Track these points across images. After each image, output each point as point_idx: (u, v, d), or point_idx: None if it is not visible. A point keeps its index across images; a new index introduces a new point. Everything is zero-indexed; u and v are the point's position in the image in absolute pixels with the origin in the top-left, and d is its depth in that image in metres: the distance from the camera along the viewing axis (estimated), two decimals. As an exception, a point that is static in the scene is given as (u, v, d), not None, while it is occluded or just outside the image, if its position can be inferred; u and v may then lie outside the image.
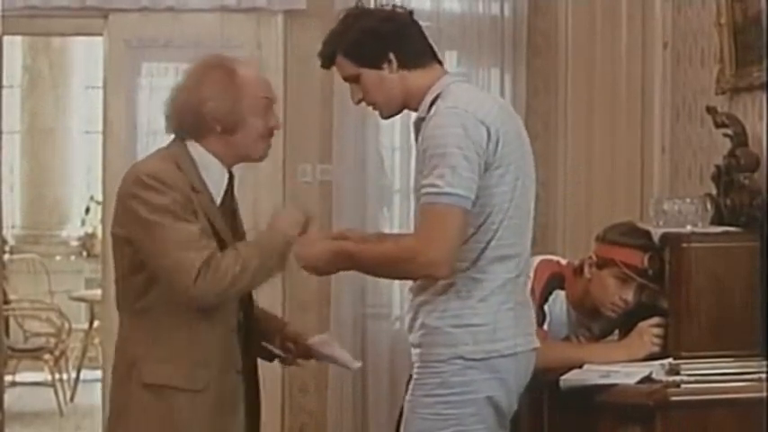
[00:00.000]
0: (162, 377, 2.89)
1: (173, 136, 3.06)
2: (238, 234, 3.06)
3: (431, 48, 3.12)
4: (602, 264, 3.62)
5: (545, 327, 3.73)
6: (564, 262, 3.87)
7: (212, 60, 3.03)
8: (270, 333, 3.21)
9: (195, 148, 2.97)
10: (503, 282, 2.94)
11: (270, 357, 3.26)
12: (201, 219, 2.87)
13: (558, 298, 3.79)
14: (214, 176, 2.95)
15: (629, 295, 3.59)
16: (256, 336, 3.14)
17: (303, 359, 3.26)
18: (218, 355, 2.93)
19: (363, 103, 3.16)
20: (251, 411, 3.06)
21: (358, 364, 3.35)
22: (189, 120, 2.96)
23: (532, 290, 3.72)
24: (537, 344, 3.09)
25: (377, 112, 3.18)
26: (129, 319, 2.96)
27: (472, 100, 2.95)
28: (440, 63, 3.16)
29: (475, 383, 2.90)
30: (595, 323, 3.81)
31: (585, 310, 3.76)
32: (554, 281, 3.78)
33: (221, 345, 2.95)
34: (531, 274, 3.75)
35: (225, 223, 2.96)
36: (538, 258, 3.90)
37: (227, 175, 2.99)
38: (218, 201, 2.96)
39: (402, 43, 3.02)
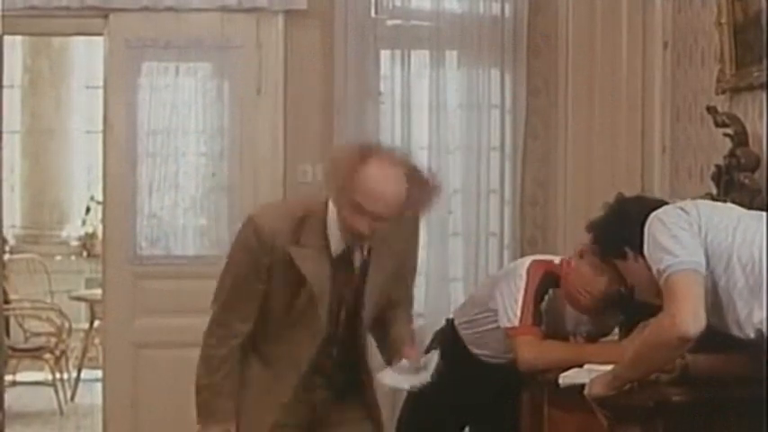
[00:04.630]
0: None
1: None
2: (350, 282, 3.29)
3: None
4: (581, 253, 3.64)
5: (543, 326, 3.73)
6: (557, 261, 3.87)
7: (365, 147, 3.27)
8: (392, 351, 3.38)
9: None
10: None
11: None
12: (278, 265, 3.22)
13: (555, 297, 3.80)
14: (335, 234, 3.25)
15: (603, 285, 3.60)
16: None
17: None
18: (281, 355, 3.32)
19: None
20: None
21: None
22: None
23: (526, 290, 3.73)
24: None
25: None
26: None
27: None
28: None
29: None
30: (594, 321, 3.81)
31: (579, 307, 3.76)
32: (548, 280, 3.78)
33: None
34: (524, 275, 3.76)
35: (330, 271, 3.24)
36: (529, 259, 3.91)
37: (342, 243, 3.26)
38: (335, 253, 3.25)
39: None
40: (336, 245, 3.26)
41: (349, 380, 3.39)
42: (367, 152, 3.19)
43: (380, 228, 3.17)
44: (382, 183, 3.13)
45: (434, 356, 3.29)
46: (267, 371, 3.35)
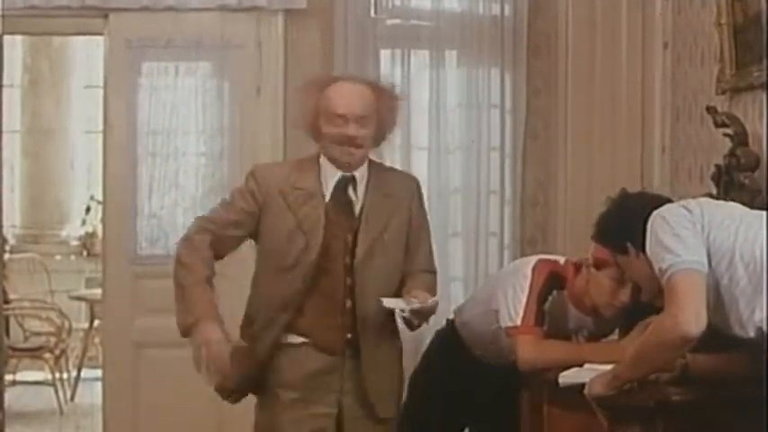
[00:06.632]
0: None
1: None
2: (345, 224, 3.58)
3: None
4: (598, 264, 3.62)
5: (545, 327, 3.73)
6: (562, 261, 3.87)
7: (316, 77, 3.79)
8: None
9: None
10: None
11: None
12: (277, 209, 3.53)
13: (559, 297, 3.80)
14: (326, 176, 3.59)
15: (626, 296, 3.60)
16: None
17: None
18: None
19: None
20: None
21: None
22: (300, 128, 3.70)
23: (531, 290, 3.73)
24: None
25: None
26: None
27: None
28: None
29: None
30: (596, 322, 3.81)
31: (586, 309, 3.76)
32: (553, 281, 3.78)
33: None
34: (529, 274, 3.76)
35: (323, 215, 3.54)
36: (535, 258, 3.90)
37: (336, 177, 3.58)
38: (327, 197, 3.57)
39: None
40: (329, 188, 3.57)
41: (367, 336, 3.58)
42: (319, 80, 3.68)
43: (366, 134, 3.53)
44: (347, 89, 3.57)
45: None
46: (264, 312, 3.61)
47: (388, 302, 3.52)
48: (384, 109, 3.61)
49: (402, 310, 3.53)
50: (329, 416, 3.58)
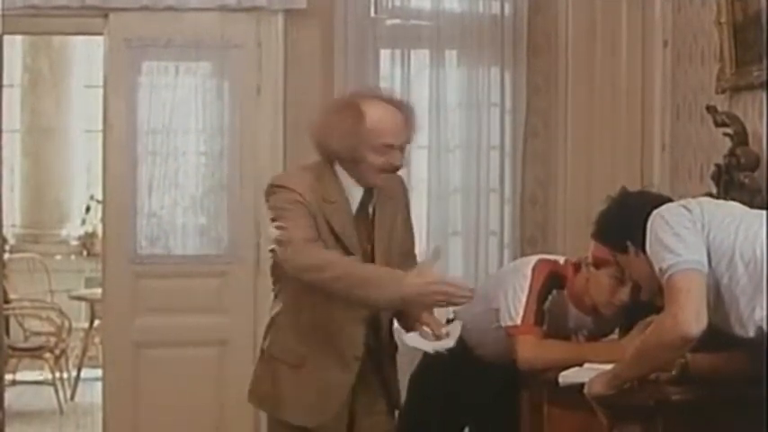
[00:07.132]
0: (270, 347, 3.51)
1: None
2: (369, 239, 3.50)
3: None
4: (598, 263, 3.63)
5: (545, 326, 3.74)
6: (562, 261, 3.87)
7: (347, 99, 3.52)
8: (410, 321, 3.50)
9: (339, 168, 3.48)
10: None
11: None
12: (320, 222, 3.38)
13: (559, 297, 3.80)
14: (350, 189, 3.47)
15: (626, 295, 3.60)
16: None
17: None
18: (322, 338, 3.42)
19: None
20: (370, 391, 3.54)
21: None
22: (321, 151, 3.48)
23: (530, 290, 3.73)
24: None
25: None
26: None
27: None
28: None
29: None
30: (596, 321, 3.81)
31: (586, 309, 3.77)
32: (553, 280, 3.78)
33: (332, 329, 3.42)
34: (529, 274, 3.76)
35: (354, 228, 3.45)
36: (535, 258, 3.90)
37: (361, 190, 3.48)
38: (354, 210, 3.47)
39: None
40: (355, 201, 3.47)
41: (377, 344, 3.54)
42: (352, 102, 3.44)
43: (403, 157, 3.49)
44: (390, 117, 3.42)
45: (457, 326, 3.46)
46: (326, 329, 3.45)
47: (412, 341, 3.46)
48: (411, 129, 3.52)
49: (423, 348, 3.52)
50: (343, 415, 3.57)
